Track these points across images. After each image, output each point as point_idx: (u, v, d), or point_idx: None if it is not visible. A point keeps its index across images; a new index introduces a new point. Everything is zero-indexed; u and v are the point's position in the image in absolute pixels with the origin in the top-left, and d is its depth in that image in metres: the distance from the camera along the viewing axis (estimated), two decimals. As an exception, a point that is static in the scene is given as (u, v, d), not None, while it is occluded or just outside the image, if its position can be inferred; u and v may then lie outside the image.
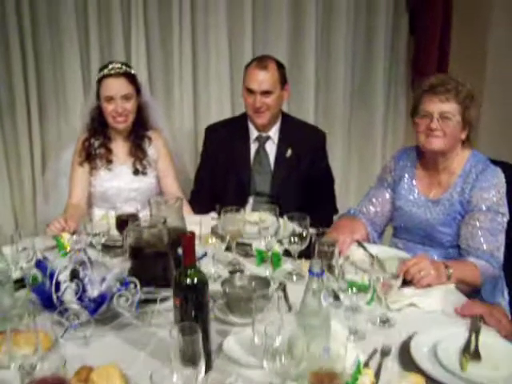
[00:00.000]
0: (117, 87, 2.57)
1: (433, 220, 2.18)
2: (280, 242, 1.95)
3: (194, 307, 1.36)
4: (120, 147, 2.69)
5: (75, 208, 2.55)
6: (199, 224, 1.95)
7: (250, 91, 2.67)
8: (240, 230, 2.01)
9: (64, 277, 1.53)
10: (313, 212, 2.76)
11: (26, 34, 2.98)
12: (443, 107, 2.08)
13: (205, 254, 1.67)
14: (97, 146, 2.66)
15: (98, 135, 2.66)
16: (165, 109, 3.34)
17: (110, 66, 2.59)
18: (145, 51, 3.18)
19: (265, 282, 1.72)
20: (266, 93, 2.66)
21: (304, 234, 1.92)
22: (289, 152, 2.76)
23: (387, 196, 2.34)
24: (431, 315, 1.71)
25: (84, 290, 1.52)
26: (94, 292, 1.55)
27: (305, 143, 2.78)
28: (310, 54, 3.44)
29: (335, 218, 2.88)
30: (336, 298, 1.68)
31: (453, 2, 3.55)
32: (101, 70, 2.62)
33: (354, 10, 3.46)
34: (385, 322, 1.66)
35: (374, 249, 2.13)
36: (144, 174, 2.68)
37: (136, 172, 2.67)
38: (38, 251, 2.04)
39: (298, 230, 2.18)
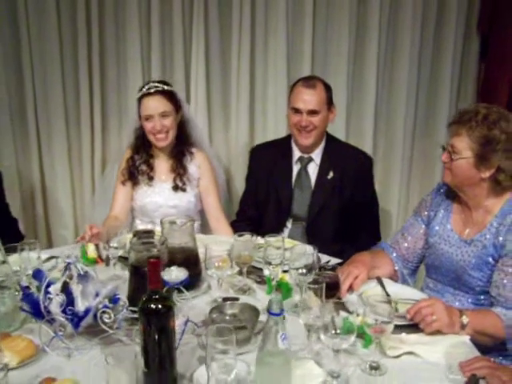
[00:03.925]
0: (155, 105, 2.63)
1: (463, 262, 2.01)
2: (286, 272, 1.89)
3: (157, 333, 1.36)
4: (162, 165, 2.75)
5: (114, 219, 2.65)
6: (207, 245, 1.94)
7: (296, 110, 2.64)
8: (251, 255, 1.97)
9: (54, 289, 1.59)
10: (353, 239, 2.73)
11: (93, 49, 3.16)
12: (452, 140, 1.95)
13: (186, 279, 1.65)
14: (139, 163, 2.73)
15: (141, 153, 2.74)
16: (222, 127, 3.40)
17: (148, 86, 2.66)
18: (204, 69, 3.23)
19: (256, 313, 1.68)
20: (312, 112, 2.62)
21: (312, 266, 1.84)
22: (330, 174, 2.70)
23: (421, 231, 2.20)
24: (431, 367, 1.57)
25: (70, 304, 1.57)
26: (82, 306, 1.59)
27: (349, 166, 2.71)
28: (372, 79, 3.33)
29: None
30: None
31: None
32: (140, 90, 2.69)
33: (419, 34, 3.28)
34: (375, 368, 1.55)
35: (395, 287, 2.02)
36: (183, 190, 2.72)
37: (175, 188, 2.71)
38: (61, 259, 2.17)
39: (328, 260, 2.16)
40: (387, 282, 2.05)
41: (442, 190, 2.19)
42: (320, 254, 2.25)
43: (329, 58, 3.32)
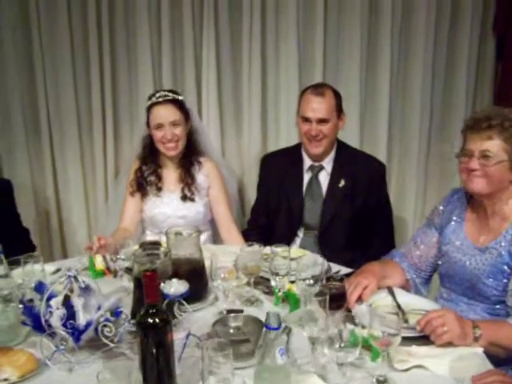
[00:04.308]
0: (165, 114, 2.62)
1: (477, 270, 1.95)
2: (293, 282, 1.85)
3: (155, 347, 1.34)
4: (171, 174, 2.74)
5: (124, 230, 2.64)
6: (213, 256, 1.92)
7: (306, 119, 2.60)
8: (258, 265, 1.94)
9: (55, 302, 1.57)
10: (366, 247, 2.67)
11: (104, 55, 3.19)
12: (484, 145, 1.87)
13: (186, 292, 1.62)
14: (148, 174, 2.72)
15: (149, 163, 2.73)
16: (234, 134, 3.39)
17: (158, 94, 2.65)
18: (215, 75, 3.21)
19: (260, 325, 1.64)
20: (321, 121, 2.58)
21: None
22: (342, 182, 2.65)
23: (434, 239, 2.14)
24: (440, 380, 1.52)
25: (70, 318, 1.55)
26: (83, 319, 1.57)
27: (360, 174, 2.66)
28: (385, 85, 3.26)
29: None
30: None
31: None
32: (149, 98, 2.68)
33: (433, 38, 3.20)
34: (382, 382, 1.50)
35: (407, 298, 1.96)
36: (192, 200, 2.69)
37: (184, 197, 2.69)
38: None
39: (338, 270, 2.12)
40: (399, 292, 1.99)
41: (454, 197, 2.13)
42: (331, 264, 2.23)
43: (340, 64, 3.27)
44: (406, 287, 2.12)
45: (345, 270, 2.19)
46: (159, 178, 2.73)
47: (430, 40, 3.21)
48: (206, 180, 2.75)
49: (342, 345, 1.45)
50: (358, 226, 2.64)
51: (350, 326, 1.64)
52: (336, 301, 1.67)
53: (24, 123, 3.25)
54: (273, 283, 1.88)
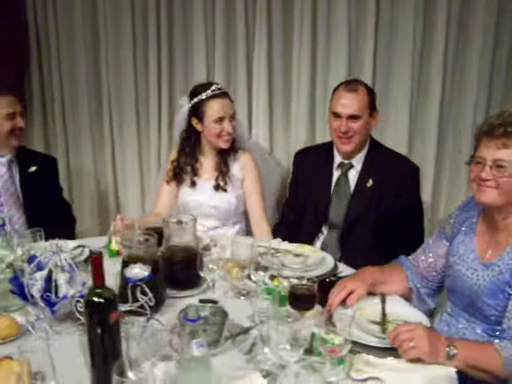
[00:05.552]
0: (225, 107, 2.64)
1: (477, 286, 1.83)
2: (275, 277, 1.86)
3: (99, 326, 1.42)
4: (207, 163, 2.78)
5: (156, 215, 2.73)
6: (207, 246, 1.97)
7: (336, 115, 2.55)
8: (250, 259, 1.97)
9: (40, 275, 1.71)
10: (390, 253, 2.56)
11: (162, 52, 3.39)
12: (497, 154, 1.72)
13: (151, 277, 1.66)
14: (185, 164, 2.78)
15: (187, 154, 2.77)
16: (283, 129, 3.40)
17: (213, 87, 2.65)
18: (266, 71, 3.24)
19: (226, 318, 1.67)
20: (353, 117, 2.51)
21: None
22: (370, 182, 2.57)
23: (443, 249, 2.03)
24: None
25: (48, 290, 1.68)
26: (66, 292, 1.69)
27: (390, 174, 2.55)
28: (436, 89, 3.08)
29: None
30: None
31: None
32: (200, 90, 2.68)
33: (493, 34, 2.95)
34: (328, 390, 1.48)
35: (398, 307, 1.88)
36: (224, 190, 2.72)
37: (217, 187, 2.73)
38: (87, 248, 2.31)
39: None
40: (393, 301, 1.91)
41: (468, 206, 2.00)
42: (345, 266, 2.21)
43: (392, 68, 3.14)
44: (407, 296, 2.03)
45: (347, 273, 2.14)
46: (196, 168, 2.77)
47: (487, 54, 2.99)
48: (241, 172, 2.77)
49: (288, 346, 1.44)
50: (383, 230, 2.54)
51: (315, 329, 1.63)
52: (303, 302, 1.66)
53: (89, 113, 3.57)
54: (253, 278, 1.89)
